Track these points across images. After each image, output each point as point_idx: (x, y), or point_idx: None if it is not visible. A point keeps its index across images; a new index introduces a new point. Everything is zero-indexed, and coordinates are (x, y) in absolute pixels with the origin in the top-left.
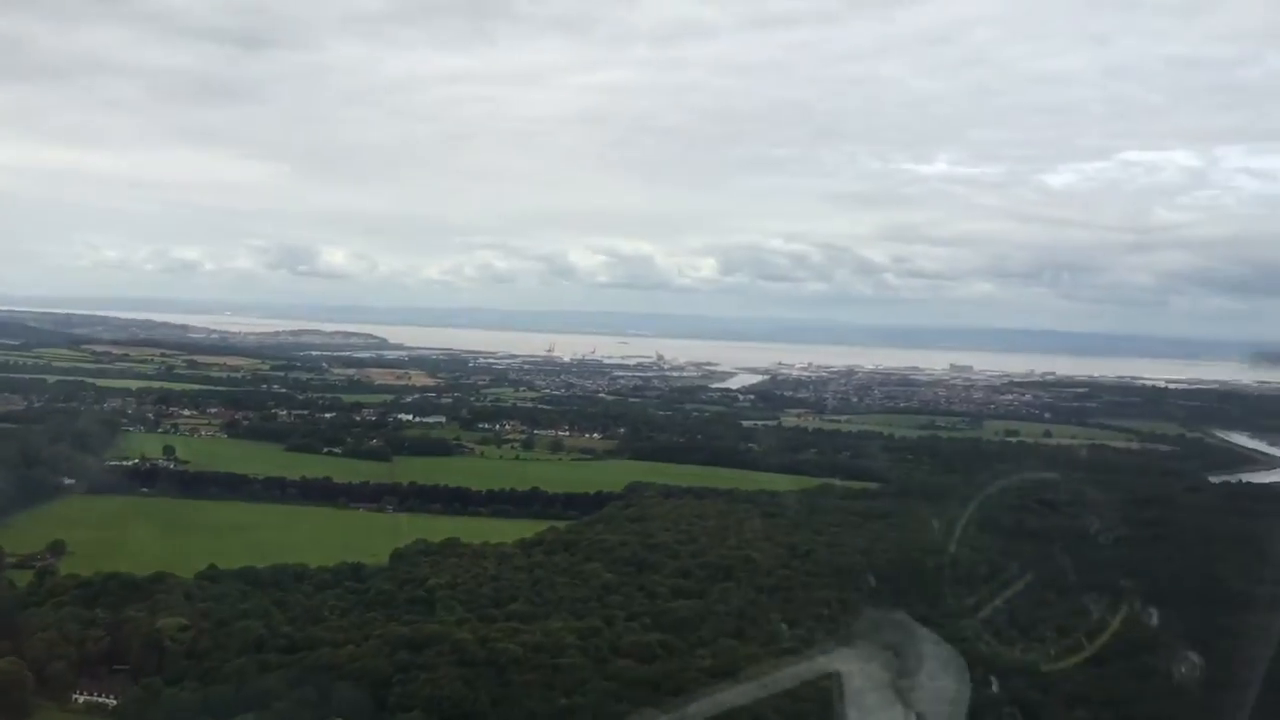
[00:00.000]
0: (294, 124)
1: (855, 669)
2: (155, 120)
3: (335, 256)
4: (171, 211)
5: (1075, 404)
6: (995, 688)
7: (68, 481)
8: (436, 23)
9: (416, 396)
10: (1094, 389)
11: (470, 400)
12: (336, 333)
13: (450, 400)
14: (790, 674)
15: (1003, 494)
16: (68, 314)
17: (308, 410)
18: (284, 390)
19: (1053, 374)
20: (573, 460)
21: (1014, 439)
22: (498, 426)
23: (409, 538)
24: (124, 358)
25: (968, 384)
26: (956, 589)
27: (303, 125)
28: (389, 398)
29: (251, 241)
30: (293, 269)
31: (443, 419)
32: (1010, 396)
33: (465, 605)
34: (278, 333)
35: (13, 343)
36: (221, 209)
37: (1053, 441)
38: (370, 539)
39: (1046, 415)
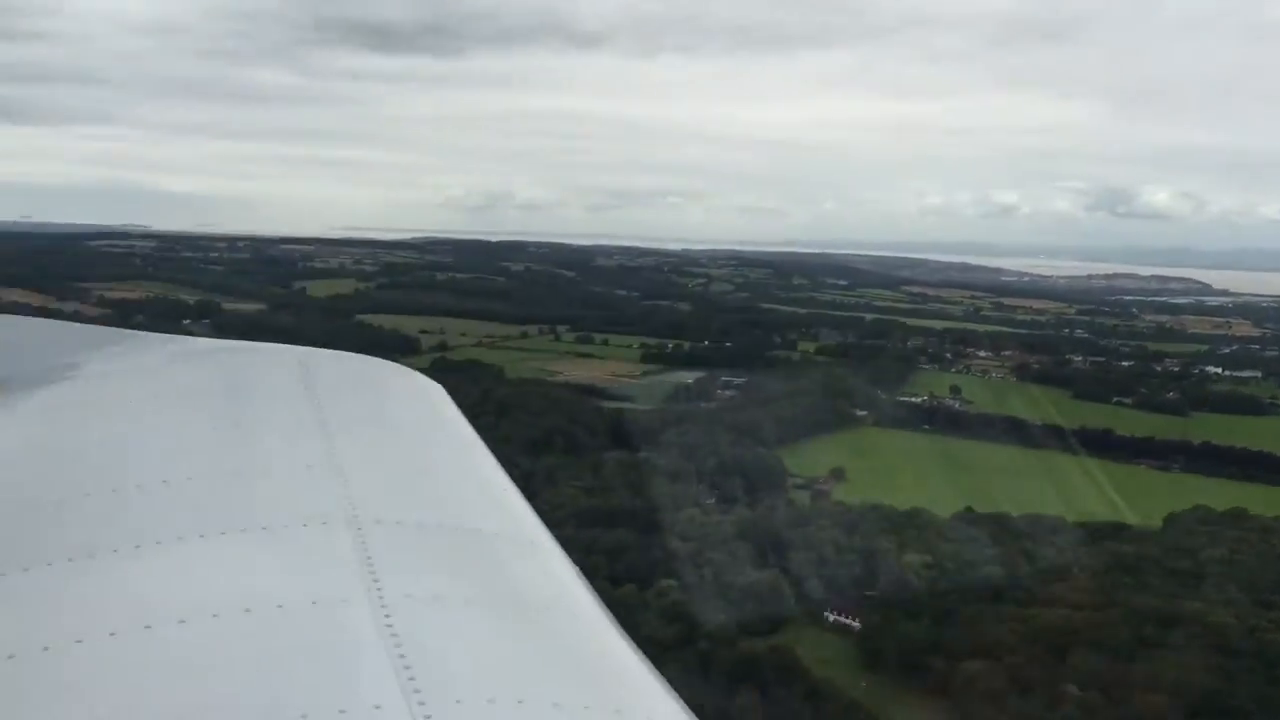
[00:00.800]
0: (1115, 60)
1: None
2: (973, 68)
3: (1157, 197)
4: (988, 156)
5: None
6: None
7: (859, 413)
8: None
9: (1234, 348)
10: None
11: None
12: (1153, 277)
13: (1276, 353)
14: None
15: None
16: (893, 257)
17: (1104, 357)
18: (1084, 335)
19: None
20: None
21: None
22: None
23: (1188, 502)
24: (936, 299)
25: None
26: None
27: (1125, 60)
28: (1200, 348)
29: (1067, 184)
30: (1111, 211)
31: (1258, 374)
32: None
33: (1239, 585)
34: (1090, 276)
35: (840, 283)
36: (1037, 151)
37: None
38: (1143, 498)
39: None
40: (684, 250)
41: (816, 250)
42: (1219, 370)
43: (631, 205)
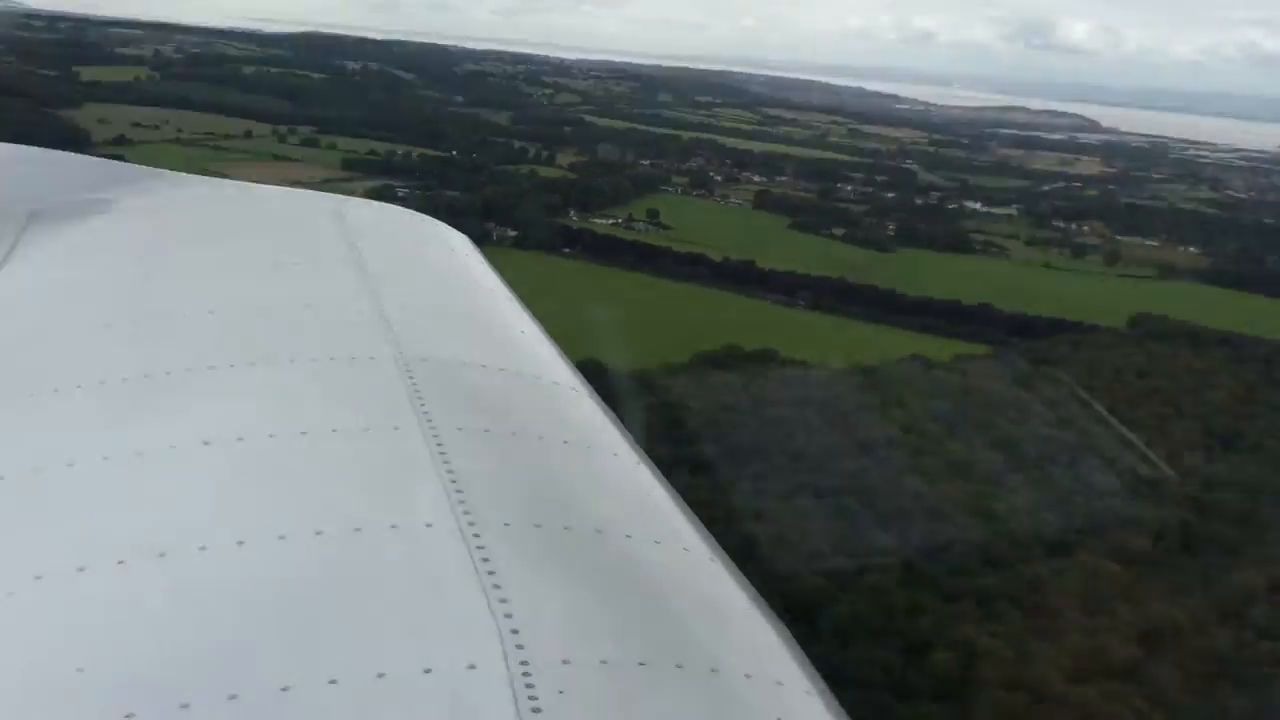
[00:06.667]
0: None
1: None
2: None
3: (1075, 30)
4: None
5: None
6: None
7: (510, 233)
8: None
9: (1055, 186)
10: None
11: (1119, 197)
12: (1043, 111)
13: (1096, 193)
14: None
15: None
16: (788, 78)
17: (871, 188)
18: (908, 165)
19: None
20: (1120, 276)
21: None
22: (1074, 227)
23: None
24: (793, 122)
25: None
26: None
27: None
28: (1019, 184)
29: (989, 11)
30: (1027, 42)
31: (1013, 211)
32: None
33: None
34: (981, 109)
35: (709, 100)
36: None
37: None
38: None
39: None
40: (559, 59)
41: (719, 68)
42: (976, 206)
43: (548, 11)
